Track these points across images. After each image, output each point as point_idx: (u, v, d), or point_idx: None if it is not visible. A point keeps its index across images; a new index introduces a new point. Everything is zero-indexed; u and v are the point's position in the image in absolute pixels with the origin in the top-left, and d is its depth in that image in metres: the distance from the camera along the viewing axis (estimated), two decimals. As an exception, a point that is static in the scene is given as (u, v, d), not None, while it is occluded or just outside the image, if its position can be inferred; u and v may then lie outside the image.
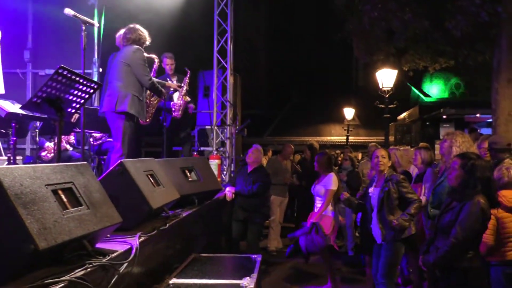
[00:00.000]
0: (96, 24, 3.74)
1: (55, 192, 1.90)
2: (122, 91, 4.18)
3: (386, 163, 4.05)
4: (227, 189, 5.36)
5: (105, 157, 5.60)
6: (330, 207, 5.01)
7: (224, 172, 6.63)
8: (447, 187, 3.50)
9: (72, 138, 6.10)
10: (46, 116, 3.97)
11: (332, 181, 4.99)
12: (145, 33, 4.49)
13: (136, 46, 4.34)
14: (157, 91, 4.57)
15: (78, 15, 3.46)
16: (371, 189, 4.15)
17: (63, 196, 1.94)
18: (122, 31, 5.01)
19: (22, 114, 3.90)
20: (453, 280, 2.76)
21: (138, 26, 4.47)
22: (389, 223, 3.83)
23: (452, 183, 2.87)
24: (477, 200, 2.71)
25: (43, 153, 5.80)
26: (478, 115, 13.58)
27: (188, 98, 5.53)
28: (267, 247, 6.78)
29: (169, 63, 5.90)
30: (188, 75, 5.84)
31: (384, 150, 4.24)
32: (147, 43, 4.54)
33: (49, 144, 5.83)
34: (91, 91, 2.92)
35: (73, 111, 2.96)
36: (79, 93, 2.82)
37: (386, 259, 3.84)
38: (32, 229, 1.64)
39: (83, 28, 3.50)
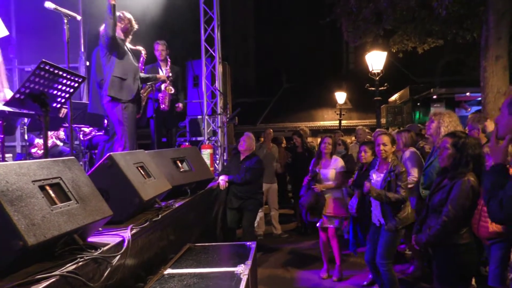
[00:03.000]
0: (78, 17, 3.67)
1: (42, 188, 1.89)
2: (104, 77, 4.22)
3: (388, 150, 3.99)
4: (221, 177, 5.37)
5: (96, 151, 5.58)
6: (344, 189, 5.20)
7: (217, 161, 6.63)
8: (438, 167, 3.54)
9: (62, 133, 6.05)
10: (33, 112, 3.94)
11: (341, 163, 5.17)
12: (127, 15, 4.41)
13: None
14: (111, 39, 4.21)
15: (59, 8, 3.40)
16: (372, 173, 4.15)
17: (51, 192, 1.93)
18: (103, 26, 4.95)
19: (8, 111, 3.85)
20: (445, 257, 2.80)
21: (126, 14, 4.42)
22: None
23: (445, 162, 2.89)
24: (467, 178, 2.74)
25: (33, 150, 5.76)
26: (468, 94, 13.63)
27: (171, 90, 5.45)
28: (261, 234, 6.81)
29: (160, 49, 5.83)
30: (169, 65, 5.78)
31: (387, 136, 4.12)
32: (134, 26, 4.48)
33: (39, 141, 5.78)
34: (76, 85, 2.89)
35: (59, 106, 2.92)
36: (64, 88, 2.78)
37: (385, 241, 3.89)
38: (20, 225, 1.63)
39: (65, 21, 3.44)
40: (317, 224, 5.17)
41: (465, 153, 2.78)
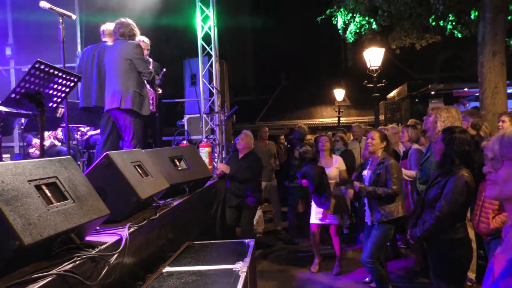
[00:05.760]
0: (74, 16, 3.67)
1: (38, 187, 1.88)
2: (123, 88, 4.28)
3: (376, 145, 4.02)
4: (220, 165, 5.45)
5: (94, 151, 5.57)
6: (343, 187, 5.28)
7: (215, 160, 6.62)
8: (433, 162, 3.55)
9: (60, 133, 6.05)
10: (30, 113, 3.95)
11: (343, 163, 5.29)
12: (136, 27, 4.52)
13: (135, 42, 4.44)
14: (153, 83, 4.72)
15: (54, 8, 3.39)
16: (365, 172, 4.19)
17: (47, 191, 1.93)
18: (108, 25, 4.95)
19: (5, 111, 3.86)
20: (440, 251, 2.81)
21: (129, 20, 4.49)
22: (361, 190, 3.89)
23: (436, 157, 2.90)
24: (462, 174, 2.74)
25: (31, 150, 5.76)
26: (466, 89, 13.62)
27: (159, 90, 5.45)
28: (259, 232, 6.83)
29: (145, 48, 5.77)
30: (152, 64, 5.75)
31: (378, 131, 4.19)
32: (138, 37, 4.58)
33: (37, 141, 5.78)
34: (72, 84, 2.89)
35: (55, 105, 2.92)
36: (59, 87, 2.78)
37: (374, 239, 3.90)
38: (16, 225, 1.63)
39: (60, 20, 3.43)
40: (311, 221, 5.21)
41: (450, 148, 2.77)
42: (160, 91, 5.47)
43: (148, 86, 5.50)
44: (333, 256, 5.26)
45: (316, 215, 5.15)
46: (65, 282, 1.74)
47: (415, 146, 4.76)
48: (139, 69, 4.35)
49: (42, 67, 2.52)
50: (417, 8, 7.93)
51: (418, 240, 2.94)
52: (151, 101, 5.52)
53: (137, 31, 4.54)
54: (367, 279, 4.76)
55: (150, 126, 5.80)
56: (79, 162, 5.46)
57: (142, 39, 5.71)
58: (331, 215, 5.00)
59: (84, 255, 1.91)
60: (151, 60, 5.75)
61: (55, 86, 2.74)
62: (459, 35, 8.55)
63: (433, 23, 8.11)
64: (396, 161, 4.04)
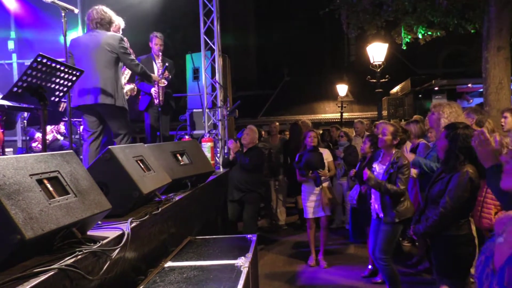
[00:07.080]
0: (76, 10, 3.64)
1: (40, 181, 1.88)
2: (113, 84, 4.15)
3: (387, 141, 3.91)
4: (230, 140, 5.55)
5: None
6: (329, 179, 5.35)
7: (218, 155, 6.62)
8: (434, 157, 3.53)
9: (62, 127, 6.06)
10: (33, 107, 3.95)
11: (329, 153, 5.41)
12: (113, 14, 4.36)
13: (119, 35, 4.29)
14: (147, 77, 4.61)
15: (57, 1, 3.37)
16: (375, 164, 4.10)
17: (49, 185, 1.92)
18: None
19: (8, 105, 3.86)
20: (443, 247, 2.79)
21: (103, 7, 4.31)
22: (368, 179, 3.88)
23: (440, 154, 2.87)
24: (466, 170, 2.72)
25: (34, 144, 5.77)
26: (470, 85, 13.56)
27: (164, 83, 5.39)
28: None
29: (158, 43, 5.78)
30: (161, 58, 5.74)
31: (392, 126, 4.02)
32: (117, 25, 4.48)
33: (39, 135, 5.79)
34: (74, 78, 2.87)
35: (57, 99, 2.91)
36: (61, 81, 2.77)
37: (384, 235, 3.86)
38: (18, 219, 1.62)
39: (63, 14, 3.41)
40: (306, 215, 5.24)
41: (454, 144, 2.75)
42: (166, 83, 5.46)
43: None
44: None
45: (308, 209, 5.20)
46: (66, 276, 1.74)
47: (424, 141, 4.72)
48: (125, 63, 4.25)
49: (44, 60, 2.50)
50: (421, 4, 7.86)
51: (422, 236, 2.93)
52: (155, 95, 5.52)
53: (112, 17, 4.33)
54: (365, 273, 4.77)
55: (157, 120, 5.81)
56: (81, 157, 5.46)
57: (156, 34, 5.74)
58: (321, 208, 5.07)
59: (85, 250, 1.90)
60: (160, 54, 5.75)
61: (57, 80, 2.73)
62: (464, 30, 8.49)
63: (438, 19, 8.05)
64: (409, 162, 3.95)
